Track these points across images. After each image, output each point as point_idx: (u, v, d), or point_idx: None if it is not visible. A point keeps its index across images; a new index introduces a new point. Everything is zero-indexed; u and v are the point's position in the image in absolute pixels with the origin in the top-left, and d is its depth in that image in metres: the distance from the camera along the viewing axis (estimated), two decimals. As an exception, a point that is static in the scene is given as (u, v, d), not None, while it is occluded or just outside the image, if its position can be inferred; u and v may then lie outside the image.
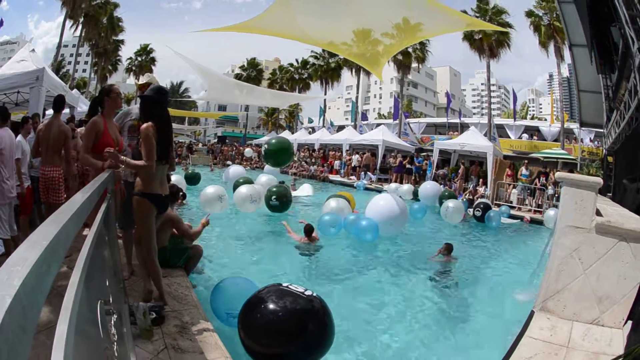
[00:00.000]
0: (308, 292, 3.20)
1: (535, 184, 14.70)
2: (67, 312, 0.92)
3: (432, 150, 19.78)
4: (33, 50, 9.18)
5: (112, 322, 1.77)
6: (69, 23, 32.26)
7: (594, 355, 3.34)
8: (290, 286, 3.25)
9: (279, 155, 9.51)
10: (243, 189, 9.68)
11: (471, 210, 12.27)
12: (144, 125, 3.47)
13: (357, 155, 22.56)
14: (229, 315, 3.79)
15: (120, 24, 36.43)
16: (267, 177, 12.52)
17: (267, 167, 19.52)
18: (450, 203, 11.24)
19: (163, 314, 3.46)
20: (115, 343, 1.74)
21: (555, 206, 12.97)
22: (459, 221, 11.31)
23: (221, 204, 9.11)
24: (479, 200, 13.21)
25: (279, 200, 9.85)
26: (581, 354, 3.42)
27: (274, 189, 10.18)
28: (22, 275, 0.53)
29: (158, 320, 3.35)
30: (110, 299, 1.93)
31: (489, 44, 27.46)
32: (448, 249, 7.31)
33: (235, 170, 14.32)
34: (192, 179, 14.29)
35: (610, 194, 11.74)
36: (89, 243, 1.55)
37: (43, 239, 0.73)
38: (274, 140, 9.87)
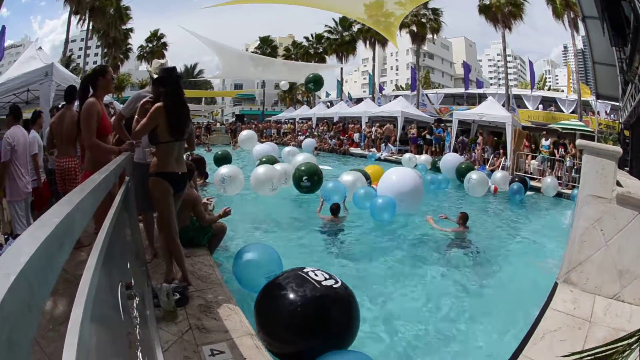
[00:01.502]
0: (332, 281, 3.15)
1: (554, 155, 14.37)
2: (82, 296, 0.90)
3: (451, 121, 19.52)
4: (40, 47, 9.01)
5: (135, 305, 1.77)
6: (74, 19, 31.96)
7: (615, 332, 3.30)
8: (314, 272, 3.20)
9: (315, 83, 13.58)
10: (260, 170, 8.80)
11: (491, 183, 11.77)
12: (155, 105, 3.47)
13: (375, 127, 22.27)
14: (268, 278, 3.67)
15: (127, 12, 36.13)
16: (303, 156, 11.28)
17: (305, 143, 19.68)
18: (473, 175, 10.75)
19: (187, 295, 3.46)
20: (137, 326, 1.75)
21: (574, 179, 12.68)
22: (484, 194, 10.87)
23: (224, 184, 8.52)
24: (503, 172, 12.71)
25: (311, 180, 9.09)
26: (603, 329, 3.39)
27: (303, 168, 9.28)
28: (30, 252, 0.52)
29: (182, 301, 3.34)
30: (132, 282, 1.93)
31: (503, 14, 26.70)
32: (463, 217, 7.13)
33: (262, 148, 13.54)
34: (223, 161, 11.95)
35: (628, 169, 11.38)
36: (107, 225, 1.54)
37: (55, 217, 0.71)
38: (311, 75, 13.72)
